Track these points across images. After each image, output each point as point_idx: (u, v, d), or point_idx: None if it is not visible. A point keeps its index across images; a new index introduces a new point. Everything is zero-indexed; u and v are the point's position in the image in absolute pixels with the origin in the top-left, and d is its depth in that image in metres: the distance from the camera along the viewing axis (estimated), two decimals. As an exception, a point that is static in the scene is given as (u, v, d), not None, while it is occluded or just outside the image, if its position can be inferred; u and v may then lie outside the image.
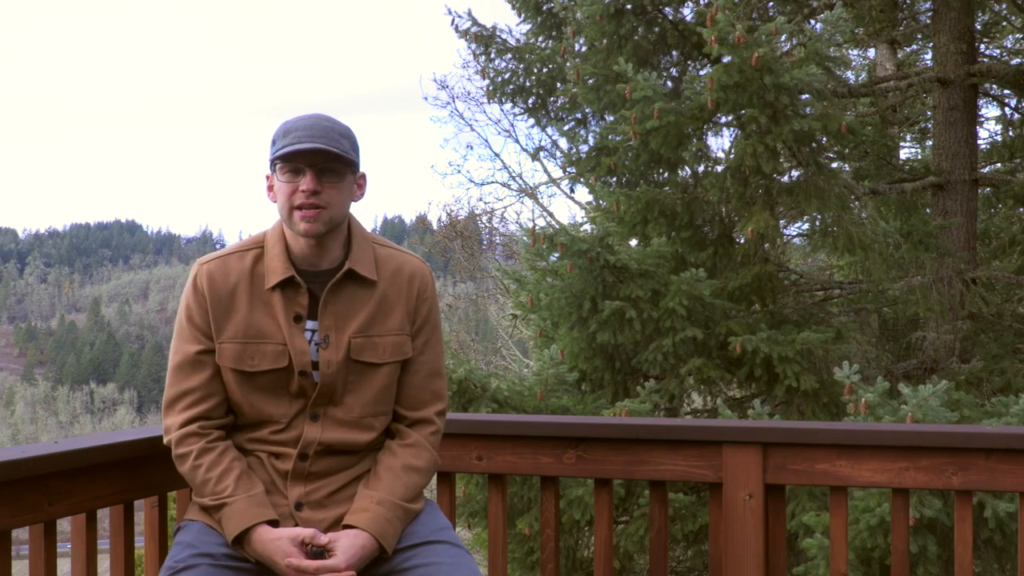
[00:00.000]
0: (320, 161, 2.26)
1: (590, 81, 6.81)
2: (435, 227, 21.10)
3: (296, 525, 2.29)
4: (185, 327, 2.33)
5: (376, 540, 2.26)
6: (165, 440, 2.35)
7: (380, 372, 2.36)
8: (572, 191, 17.01)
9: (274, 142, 2.30)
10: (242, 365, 2.30)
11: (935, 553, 4.84)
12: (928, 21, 8.03)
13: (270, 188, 2.35)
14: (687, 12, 7.40)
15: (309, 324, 2.32)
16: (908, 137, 9.62)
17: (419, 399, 2.43)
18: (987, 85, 7.97)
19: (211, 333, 2.31)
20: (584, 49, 7.22)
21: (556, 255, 6.33)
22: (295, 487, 2.32)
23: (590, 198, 8.73)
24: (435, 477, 2.95)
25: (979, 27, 8.03)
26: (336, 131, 2.29)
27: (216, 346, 2.31)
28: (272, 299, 2.31)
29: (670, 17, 7.22)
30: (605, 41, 6.94)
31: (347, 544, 2.23)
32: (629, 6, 6.89)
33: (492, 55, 8.02)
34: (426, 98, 21.09)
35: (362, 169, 2.40)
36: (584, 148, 7.23)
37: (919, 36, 9.03)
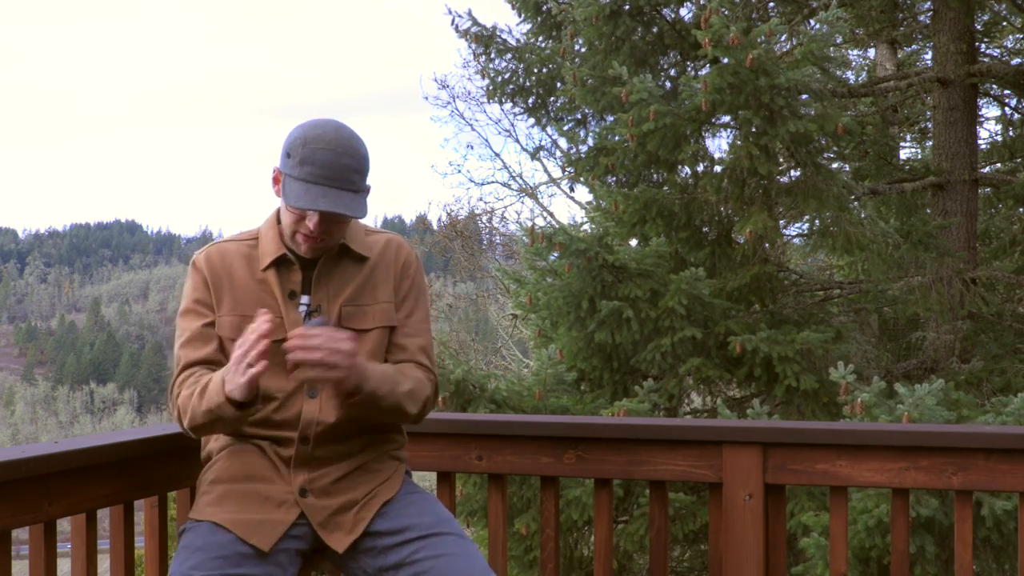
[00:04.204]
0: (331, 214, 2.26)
1: (588, 82, 6.81)
2: (435, 227, 21.12)
3: (301, 512, 2.29)
4: (190, 307, 2.37)
5: (359, 371, 2.20)
6: (174, 412, 2.31)
7: (368, 337, 2.37)
8: (572, 191, 17.04)
9: (289, 155, 2.24)
10: (240, 336, 2.30)
11: (933, 553, 4.84)
12: (928, 21, 8.02)
13: (276, 181, 2.34)
14: (685, 12, 7.39)
15: (303, 299, 2.37)
16: (908, 137, 9.62)
17: (406, 361, 2.40)
18: (987, 85, 7.98)
19: (213, 306, 2.36)
20: (583, 50, 7.21)
21: (555, 255, 6.33)
22: (299, 473, 2.32)
23: (590, 198, 8.73)
24: (435, 477, 2.96)
25: (979, 27, 8.03)
26: (352, 169, 2.23)
27: (216, 319, 2.35)
28: (267, 278, 2.36)
29: (668, 18, 7.21)
30: (602, 43, 6.94)
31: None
32: (627, 7, 6.88)
33: (492, 55, 8.01)
34: (427, 98, 21.20)
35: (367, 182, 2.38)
36: (584, 148, 7.23)
37: (919, 36, 9.02)
